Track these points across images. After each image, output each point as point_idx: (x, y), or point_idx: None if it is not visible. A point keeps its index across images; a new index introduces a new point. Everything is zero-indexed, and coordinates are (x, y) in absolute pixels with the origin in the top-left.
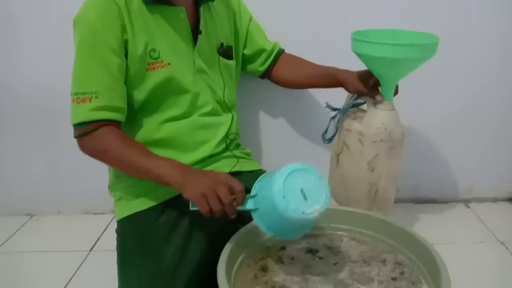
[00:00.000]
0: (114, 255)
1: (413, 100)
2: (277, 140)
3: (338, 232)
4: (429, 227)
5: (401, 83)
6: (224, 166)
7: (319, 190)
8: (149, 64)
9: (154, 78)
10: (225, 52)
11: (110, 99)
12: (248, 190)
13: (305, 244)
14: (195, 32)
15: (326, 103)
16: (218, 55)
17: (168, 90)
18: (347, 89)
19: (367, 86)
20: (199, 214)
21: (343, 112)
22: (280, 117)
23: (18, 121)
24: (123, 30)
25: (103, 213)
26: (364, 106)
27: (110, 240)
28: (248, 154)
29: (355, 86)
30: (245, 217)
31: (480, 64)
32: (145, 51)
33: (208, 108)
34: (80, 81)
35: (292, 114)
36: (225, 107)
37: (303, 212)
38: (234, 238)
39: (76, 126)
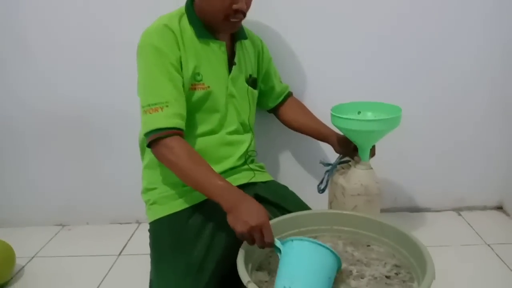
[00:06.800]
0: (141, 258)
1: (411, 115)
2: (285, 156)
3: (339, 234)
4: (423, 232)
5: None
6: (243, 177)
7: None
8: (192, 84)
9: (195, 96)
10: (252, 82)
11: (177, 107)
12: (261, 199)
13: None
14: (230, 63)
15: (320, 160)
16: (246, 84)
17: (202, 108)
18: (334, 150)
19: (349, 149)
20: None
21: (332, 168)
22: (289, 137)
23: (53, 136)
24: (180, 53)
25: (128, 223)
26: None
27: (137, 245)
28: (262, 167)
29: (339, 149)
30: None
31: (462, 67)
32: (193, 73)
33: (232, 128)
34: (151, 93)
35: (299, 137)
36: (247, 128)
37: None
38: None
39: (149, 133)
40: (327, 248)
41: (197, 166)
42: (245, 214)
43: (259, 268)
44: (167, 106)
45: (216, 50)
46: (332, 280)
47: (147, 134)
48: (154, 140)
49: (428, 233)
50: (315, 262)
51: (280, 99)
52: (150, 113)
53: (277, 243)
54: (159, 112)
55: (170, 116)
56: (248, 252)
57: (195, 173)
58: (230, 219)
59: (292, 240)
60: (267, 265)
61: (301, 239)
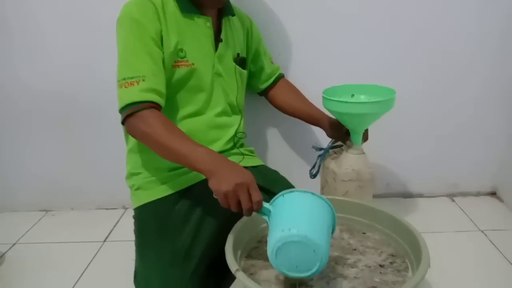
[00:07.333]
0: (126, 245)
1: (405, 98)
2: (276, 140)
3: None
4: (417, 218)
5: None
6: None
7: (312, 263)
8: (175, 61)
9: (178, 74)
10: (241, 61)
11: (155, 83)
12: None
13: None
14: (217, 40)
15: (312, 145)
16: (234, 63)
17: (186, 87)
18: (326, 134)
19: (341, 133)
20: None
21: (324, 153)
22: (280, 120)
23: (37, 119)
24: (160, 27)
25: (114, 208)
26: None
27: (122, 231)
28: (251, 151)
29: (331, 133)
30: None
31: (458, 51)
32: (175, 49)
33: (219, 109)
34: (128, 67)
35: (291, 120)
36: (236, 109)
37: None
38: (239, 223)
39: (124, 108)
40: (323, 199)
41: (173, 135)
42: (229, 174)
43: (248, 256)
44: (143, 80)
45: (201, 26)
46: (330, 232)
47: (121, 110)
48: (128, 116)
49: (421, 219)
50: (313, 208)
51: (271, 81)
52: (125, 87)
53: (265, 204)
54: (134, 86)
55: (146, 90)
56: (237, 239)
57: (171, 142)
58: (213, 183)
59: (283, 195)
60: (257, 255)
61: (292, 191)
